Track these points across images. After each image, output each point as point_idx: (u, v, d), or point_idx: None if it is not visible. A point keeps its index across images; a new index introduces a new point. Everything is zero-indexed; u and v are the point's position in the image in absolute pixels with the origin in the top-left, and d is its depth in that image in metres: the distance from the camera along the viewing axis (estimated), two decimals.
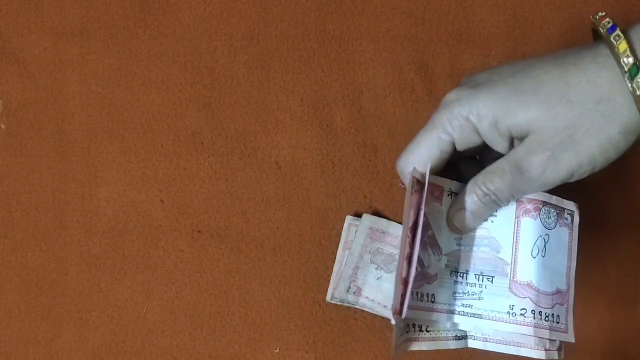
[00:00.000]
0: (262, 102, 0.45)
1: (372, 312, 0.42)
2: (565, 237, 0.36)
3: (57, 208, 0.45)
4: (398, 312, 0.32)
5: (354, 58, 0.45)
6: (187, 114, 0.45)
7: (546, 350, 0.35)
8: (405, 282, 0.33)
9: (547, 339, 0.35)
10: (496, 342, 0.36)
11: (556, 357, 0.35)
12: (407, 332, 0.35)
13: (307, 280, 0.44)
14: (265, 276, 0.44)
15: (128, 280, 0.45)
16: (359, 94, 0.44)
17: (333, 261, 0.43)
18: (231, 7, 0.45)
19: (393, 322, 0.32)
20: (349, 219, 0.43)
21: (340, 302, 0.42)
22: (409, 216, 0.33)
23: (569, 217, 0.36)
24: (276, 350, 0.44)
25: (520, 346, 0.35)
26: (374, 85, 0.44)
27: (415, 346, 0.35)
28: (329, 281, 0.42)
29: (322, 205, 0.44)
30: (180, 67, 0.45)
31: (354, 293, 0.42)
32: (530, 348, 0.35)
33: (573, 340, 0.35)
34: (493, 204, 0.35)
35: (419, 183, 0.34)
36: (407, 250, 0.33)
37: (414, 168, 0.34)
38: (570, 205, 0.36)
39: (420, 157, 0.35)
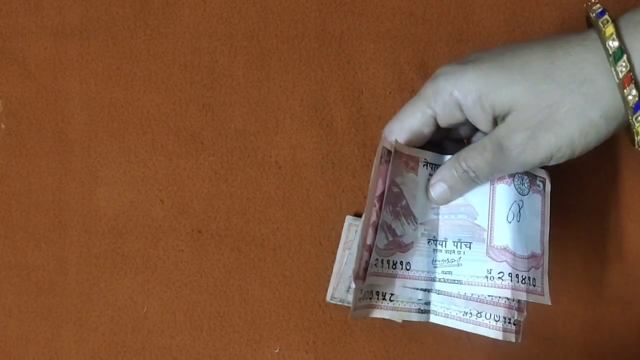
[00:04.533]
0: (262, 102, 0.45)
1: None
2: (538, 203, 0.37)
3: (57, 208, 0.45)
4: (361, 278, 0.34)
5: (354, 58, 0.45)
6: (187, 114, 0.45)
7: (504, 331, 0.35)
8: (370, 249, 0.34)
9: (515, 309, 0.35)
10: (457, 319, 0.36)
11: (513, 340, 0.36)
12: (369, 298, 0.36)
13: (307, 280, 0.44)
14: (265, 276, 0.44)
15: (128, 280, 0.45)
16: (359, 94, 0.44)
17: (333, 261, 0.43)
18: (231, 7, 0.45)
19: (353, 285, 0.34)
20: (349, 219, 0.43)
21: (340, 302, 0.42)
22: (376, 185, 0.34)
23: (541, 184, 0.37)
24: (276, 350, 0.44)
25: (479, 325, 0.36)
26: (374, 85, 0.44)
27: (377, 314, 0.36)
28: (329, 281, 0.42)
29: (322, 205, 0.44)
30: (180, 67, 0.45)
31: None
32: (488, 327, 0.36)
33: (549, 303, 0.36)
34: (471, 181, 0.35)
35: (389, 154, 0.35)
36: (373, 218, 0.34)
37: (384, 138, 0.35)
38: (541, 172, 0.37)
39: (402, 127, 0.35)
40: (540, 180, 0.37)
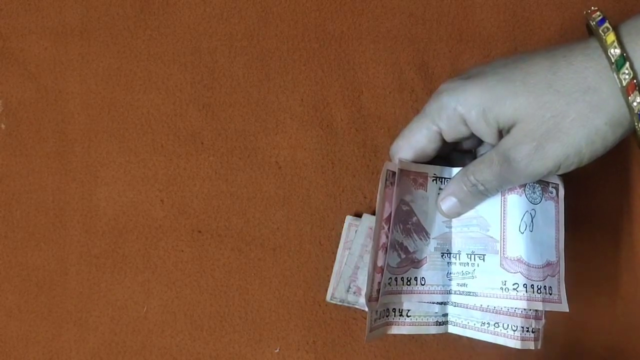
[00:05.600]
0: (262, 102, 0.45)
1: None
2: (552, 210, 0.37)
3: (57, 208, 0.45)
4: (374, 300, 0.34)
5: (354, 58, 0.45)
6: (187, 114, 0.45)
7: (522, 340, 0.35)
8: (381, 271, 0.34)
9: (532, 318, 0.35)
10: (475, 330, 0.36)
11: (532, 348, 0.36)
12: (386, 316, 0.36)
13: (307, 280, 0.44)
14: (265, 276, 0.44)
15: (128, 280, 0.45)
16: (359, 94, 0.44)
17: (333, 261, 0.43)
18: (231, 7, 0.45)
19: (367, 309, 0.34)
20: (349, 219, 0.43)
21: (340, 302, 0.42)
22: (382, 208, 0.34)
23: (553, 190, 0.37)
24: (276, 350, 0.44)
25: (497, 335, 0.36)
26: (374, 85, 0.44)
27: (395, 330, 0.36)
28: (329, 281, 0.42)
29: (322, 205, 0.44)
30: (180, 67, 0.45)
31: (354, 293, 0.42)
32: (506, 337, 0.36)
33: (567, 310, 0.36)
34: (480, 194, 0.35)
35: (393, 175, 0.35)
36: (382, 240, 0.34)
37: (387, 162, 0.35)
38: (554, 178, 0.37)
39: (408, 144, 0.36)
40: (552, 187, 0.37)
